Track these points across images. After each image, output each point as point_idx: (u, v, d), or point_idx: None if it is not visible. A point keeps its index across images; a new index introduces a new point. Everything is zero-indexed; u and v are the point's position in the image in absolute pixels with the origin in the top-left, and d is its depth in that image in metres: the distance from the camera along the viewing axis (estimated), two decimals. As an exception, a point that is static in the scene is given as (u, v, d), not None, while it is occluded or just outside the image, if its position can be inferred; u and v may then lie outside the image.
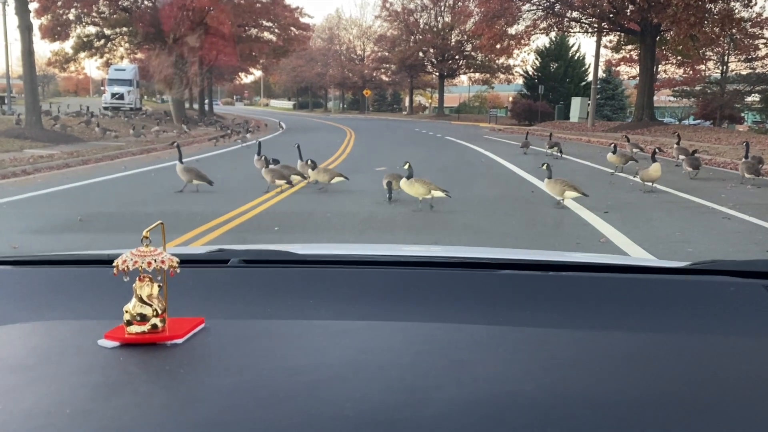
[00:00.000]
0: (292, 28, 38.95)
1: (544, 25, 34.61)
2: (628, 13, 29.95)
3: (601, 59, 37.30)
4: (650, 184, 10.34)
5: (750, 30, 29.93)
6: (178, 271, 0.86)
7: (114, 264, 0.83)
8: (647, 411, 0.68)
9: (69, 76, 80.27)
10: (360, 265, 1.36)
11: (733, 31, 28.95)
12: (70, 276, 1.29)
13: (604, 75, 44.38)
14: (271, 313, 1.07)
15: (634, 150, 15.46)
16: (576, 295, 1.15)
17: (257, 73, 77.41)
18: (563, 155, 16.81)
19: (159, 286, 0.86)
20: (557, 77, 47.32)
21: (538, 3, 33.22)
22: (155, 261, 0.84)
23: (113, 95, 40.66)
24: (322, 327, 0.93)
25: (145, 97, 73.96)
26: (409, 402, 0.68)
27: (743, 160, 12.01)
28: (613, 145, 14.31)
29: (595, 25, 33.35)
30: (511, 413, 0.67)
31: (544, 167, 9.04)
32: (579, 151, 19.38)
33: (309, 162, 9.82)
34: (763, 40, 31.18)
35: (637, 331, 0.98)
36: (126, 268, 0.83)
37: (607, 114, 43.35)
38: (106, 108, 37.86)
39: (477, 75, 60.16)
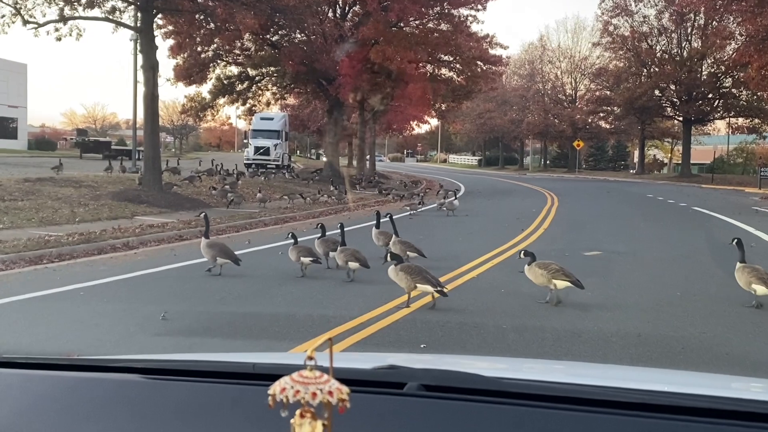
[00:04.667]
0: (478, 63, 39.32)
1: None
2: None
3: None
4: None
5: None
6: (348, 406, 0.84)
7: (270, 392, 0.83)
8: None
9: (211, 127, 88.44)
10: (591, 405, 1.28)
11: None
12: (210, 394, 1.34)
13: None
14: None
15: None
16: None
17: (433, 122, 79.60)
18: None
19: (323, 424, 0.84)
20: None
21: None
22: (321, 391, 0.82)
23: (257, 149, 42.32)
24: None
25: (297, 152, 78.99)
26: None
27: None
28: None
29: None
30: None
31: (733, 243, 8.58)
32: None
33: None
34: None
35: None
36: (285, 399, 0.82)
37: None
38: (247, 165, 39.90)
39: (740, 120, 57.57)
